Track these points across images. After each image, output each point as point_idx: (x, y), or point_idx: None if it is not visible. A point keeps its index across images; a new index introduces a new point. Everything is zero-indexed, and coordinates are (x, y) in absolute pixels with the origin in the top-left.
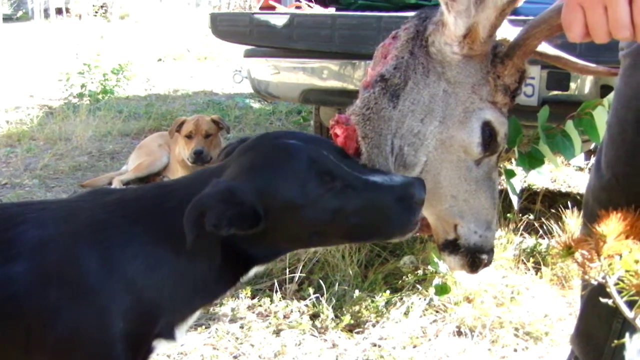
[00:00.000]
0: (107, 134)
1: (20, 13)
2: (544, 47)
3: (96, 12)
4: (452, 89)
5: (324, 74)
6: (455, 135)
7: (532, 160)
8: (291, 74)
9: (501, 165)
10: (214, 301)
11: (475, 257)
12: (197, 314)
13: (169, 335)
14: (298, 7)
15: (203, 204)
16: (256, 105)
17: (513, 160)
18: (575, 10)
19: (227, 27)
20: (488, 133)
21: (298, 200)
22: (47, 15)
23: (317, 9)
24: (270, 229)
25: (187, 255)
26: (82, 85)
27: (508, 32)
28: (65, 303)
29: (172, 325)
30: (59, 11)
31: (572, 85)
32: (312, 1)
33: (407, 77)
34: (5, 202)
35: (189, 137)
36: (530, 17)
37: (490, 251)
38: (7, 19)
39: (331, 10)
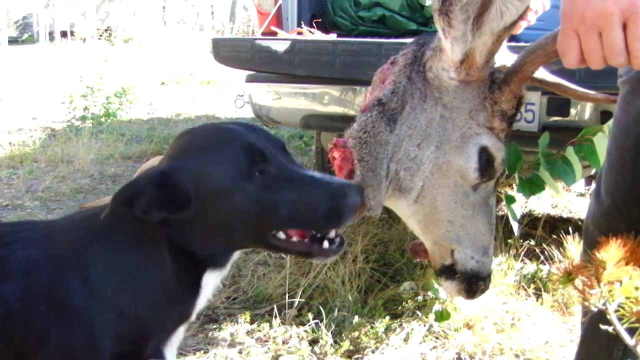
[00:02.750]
0: (109, 156)
1: (25, 36)
2: (544, 74)
3: (100, 36)
4: (449, 114)
5: (325, 99)
6: (452, 160)
7: (533, 186)
8: (292, 99)
9: (502, 191)
10: (189, 314)
11: (472, 283)
12: (182, 331)
13: (159, 355)
14: (299, 33)
15: (134, 188)
16: None
17: (514, 186)
18: (571, 37)
19: (228, 52)
20: (485, 159)
21: (230, 182)
22: (52, 38)
23: (319, 35)
24: (202, 215)
25: (147, 261)
26: (85, 108)
27: (507, 58)
28: (54, 325)
29: (158, 344)
30: (63, 34)
31: (573, 111)
32: (313, 27)
33: (405, 102)
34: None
35: None
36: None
37: (487, 277)
38: (13, 41)
39: (332, 37)
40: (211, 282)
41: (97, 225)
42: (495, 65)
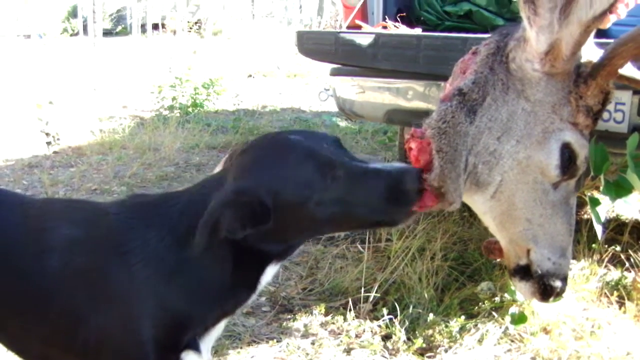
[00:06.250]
0: (194, 146)
1: (119, 28)
2: (634, 72)
3: (190, 28)
4: (532, 108)
5: (409, 94)
6: (532, 155)
7: (620, 189)
8: (376, 94)
9: (586, 194)
10: (234, 311)
11: (548, 285)
12: (222, 326)
13: (194, 347)
14: (384, 27)
15: (216, 213)
16: (343, 123)
17: (600, 189)
18: None
19: (312, 45)
20: (567, 155)
21: (304, 192)
22: (144, 31)
23: (403, 29)
24: (281, 222)
25: (198, 260)
26: (174, 98)
27: (594, 54)
28: (92, 306)
29: (195, 336)
30: (155, 27)
31: None
32: (398, 22)
33: (486, 93)
34: (55, 198)
35: None
36: None
37: (563, 279)
38: (107, 33)
39: (417, 31)
40: (269, 273)
41: (147, 215)
42: (582, 61)
